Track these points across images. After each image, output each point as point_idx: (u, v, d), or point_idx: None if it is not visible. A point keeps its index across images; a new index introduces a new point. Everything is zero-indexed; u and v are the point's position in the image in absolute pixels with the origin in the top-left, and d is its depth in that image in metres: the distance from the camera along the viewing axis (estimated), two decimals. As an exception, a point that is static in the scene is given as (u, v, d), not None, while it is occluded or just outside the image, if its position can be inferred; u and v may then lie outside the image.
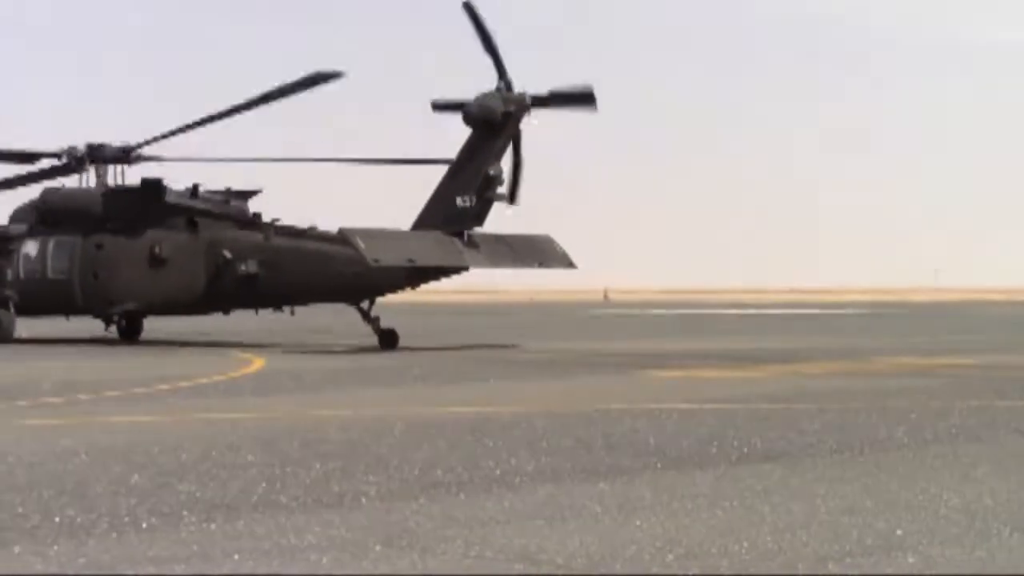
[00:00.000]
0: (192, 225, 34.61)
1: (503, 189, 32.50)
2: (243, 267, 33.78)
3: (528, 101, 32.06)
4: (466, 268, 33.44)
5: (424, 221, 32.62)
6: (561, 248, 34.48)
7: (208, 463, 11.30)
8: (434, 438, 13.15)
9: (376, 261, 30.79)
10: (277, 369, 24.82)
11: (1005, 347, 34.51)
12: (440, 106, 32.98)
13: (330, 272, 32.92)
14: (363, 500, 9.49)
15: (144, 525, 8.53)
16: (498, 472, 10.87)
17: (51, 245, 35.00)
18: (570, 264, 34.52)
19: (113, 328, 37.06)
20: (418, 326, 55.58)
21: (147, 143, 35.27)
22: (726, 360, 27.82)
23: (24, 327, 36.16)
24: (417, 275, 33.35)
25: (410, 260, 31.75)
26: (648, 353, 30.97)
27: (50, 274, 34.96)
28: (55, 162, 35.68)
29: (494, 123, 32.04)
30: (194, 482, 10.25)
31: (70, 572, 7.26)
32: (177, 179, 35.58)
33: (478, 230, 32.75)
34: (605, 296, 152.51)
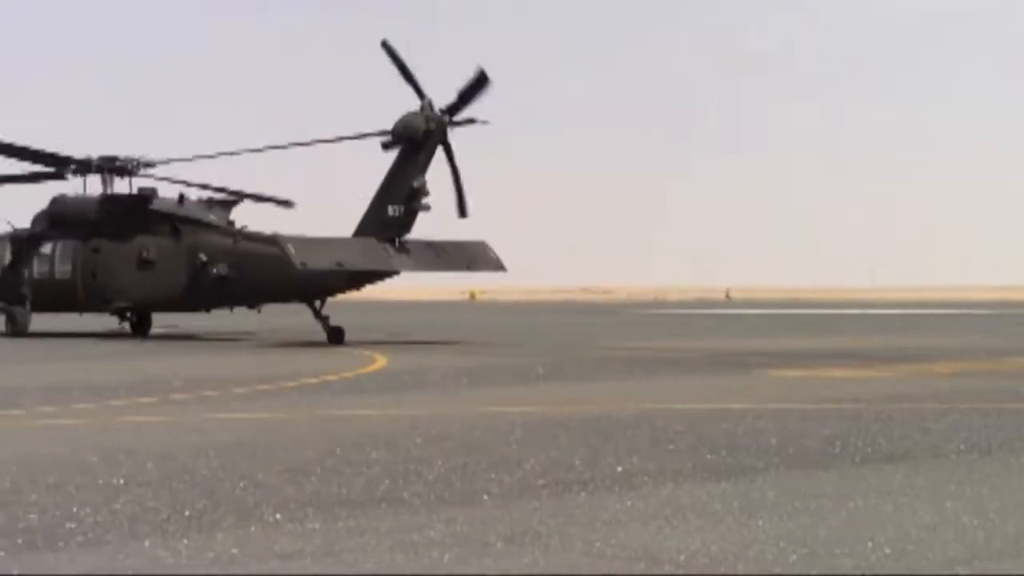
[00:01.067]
0: (175, 231, 38.35)
1: (428, 200, 35.92)
2: (215, 269, 37.48)
3: (447, 119, 35.46)
4: (394, 272, 36.76)
5: (362, 229, 36.11)
6: (494, 254, 37.84)
7: (333, 460, 11.43)
8: (556, 436, 13.17)
9: (303, 265, 34.24)
10: (400, 367, 25.02)
11: None
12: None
13: (286, 274, 35.45)
14: (485, 497, 9.55)
15: (270, 520, 8.66)
16: (619, 471, 10.87)
17: (58, 248, 39.30)
18: (501, 268, 38.01)
19: (126, 324, 40.97)
20: (531, 324, 55.65)
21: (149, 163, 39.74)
22: (850, 359, 27.51)
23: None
24: (354, 278, 36.95)
25: (338, 264, 35.11)
26: (771, 352, 30.74)
27: (57, 274, 39.27)
28: (70, 168, 39.67)
29: (416, 140, 35.42)
30: (319, 478, 10.38)
31: (199, 565, 7.40)
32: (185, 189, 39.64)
33: (411, 237, 36.05)
34: (727, 295, 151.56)
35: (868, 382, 21.37)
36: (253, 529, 8.37)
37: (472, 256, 37.63)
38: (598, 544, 7.93)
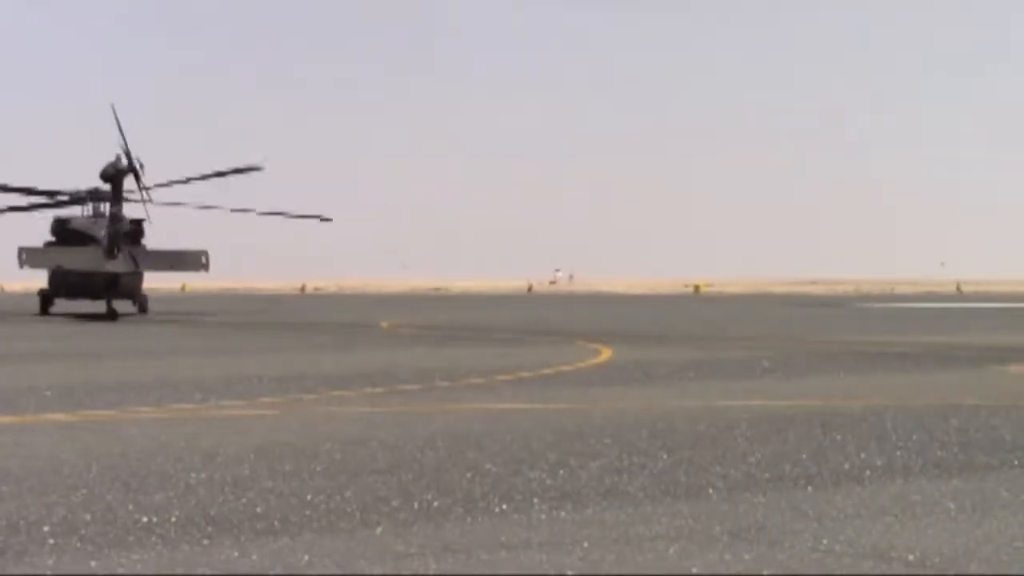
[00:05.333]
0: (84, 243, 52.75)
1: (121, 225, 51.84)
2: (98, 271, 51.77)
3: (123, 165, 52.29)
4: (104, 271, 51.27)
5: (105, 244, 51.46)
6: (205, 260, 53.42)
7: (558, 451, 11.53)
8: (782, 431, 13.07)
9: (26, 265, 52.01)
10: (625, 360, 25.06)
11: None
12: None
13: (108, 276, 51.81)
14: (710, 491, 9.53)
15: (497, 511, 8.79)
16: (847, 466, 10.74)
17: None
18: (205, 270, 53.52)
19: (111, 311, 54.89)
20: (757, 316, 55.05)
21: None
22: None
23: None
24: (107, 278, 51.62)
25: (58, 265, 52.89)
26: (1005, 347, 29.92)
27: (50, 272, 55.00)
28: (65, 199, 56.29)
29: (109, 181, 52.67)
30: (545, 470, 10.49)
31: (429, 553, 7.55)
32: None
33: (137, 247, 52.87)
34: (958, 289, 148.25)
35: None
36: (480, 519, 8.51)
37: (179, 260, 54.15)
38: (825, 540, 7.86)
